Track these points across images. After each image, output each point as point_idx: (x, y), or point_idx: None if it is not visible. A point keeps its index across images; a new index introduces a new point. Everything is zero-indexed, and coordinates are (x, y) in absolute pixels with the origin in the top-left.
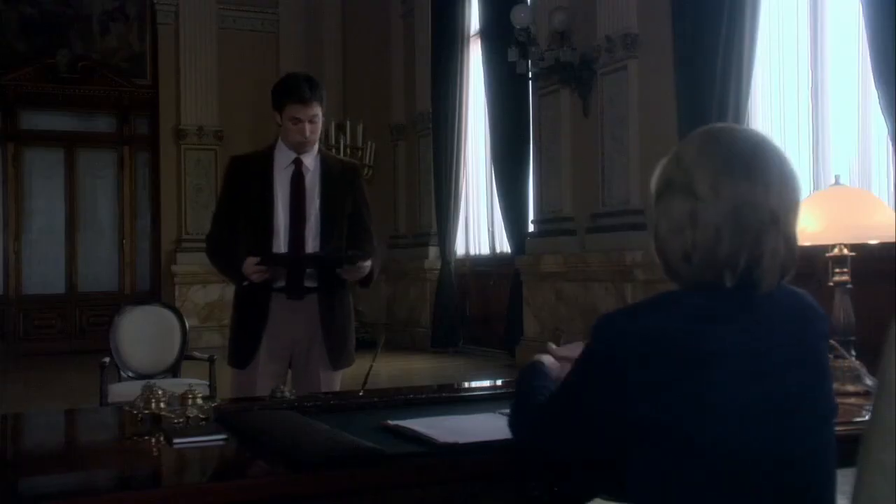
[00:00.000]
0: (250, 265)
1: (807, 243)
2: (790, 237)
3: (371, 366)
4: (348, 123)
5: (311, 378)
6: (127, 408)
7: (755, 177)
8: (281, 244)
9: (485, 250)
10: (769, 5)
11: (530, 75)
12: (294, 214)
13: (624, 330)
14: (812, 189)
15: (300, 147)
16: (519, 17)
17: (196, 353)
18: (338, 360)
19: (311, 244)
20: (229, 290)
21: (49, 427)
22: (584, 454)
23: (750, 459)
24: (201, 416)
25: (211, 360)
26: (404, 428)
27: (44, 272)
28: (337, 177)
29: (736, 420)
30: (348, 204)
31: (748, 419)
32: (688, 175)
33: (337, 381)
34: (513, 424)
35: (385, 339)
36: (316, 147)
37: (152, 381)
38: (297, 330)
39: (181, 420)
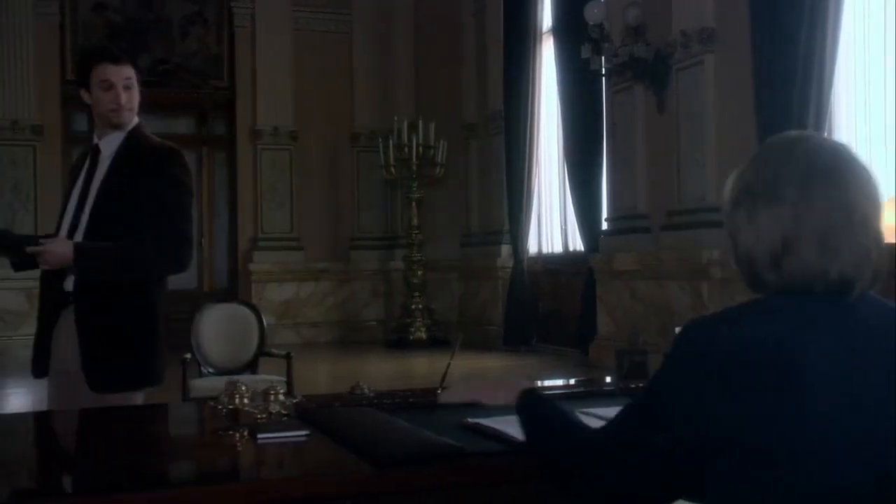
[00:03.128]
0: None
1: (891, 240)
2: (879, 240)
3: (449, 364)
4: (420, 122)
5: (70, 398)
6: (211, 403)
7: (842, 179)
8: (61, 235)
9: (557, 248)
10: (854, 2)
11: (603, 72)
12: (77, 205)
13: (714, 337)
14: None
15: (114, 118)
16: (592, 13)
17: (273, 350)
18: (97, 381)
19: (78, 237)
20: (304, 288)
21: (135, 420)
22: (656, 481)
23: (840, 476)
24: (283, 411)
25: (288, 357)
26: (484, 426)
27: None
28: (132, 166)
29: (825, 435)
30: (136, 197)
31: (840, 435)
32: (772, 181)
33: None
34: (558, 467)
35: (461, 339)
36: (124, 131)
37: (235, 377)
38: (64, 341)
39: (264, 416)
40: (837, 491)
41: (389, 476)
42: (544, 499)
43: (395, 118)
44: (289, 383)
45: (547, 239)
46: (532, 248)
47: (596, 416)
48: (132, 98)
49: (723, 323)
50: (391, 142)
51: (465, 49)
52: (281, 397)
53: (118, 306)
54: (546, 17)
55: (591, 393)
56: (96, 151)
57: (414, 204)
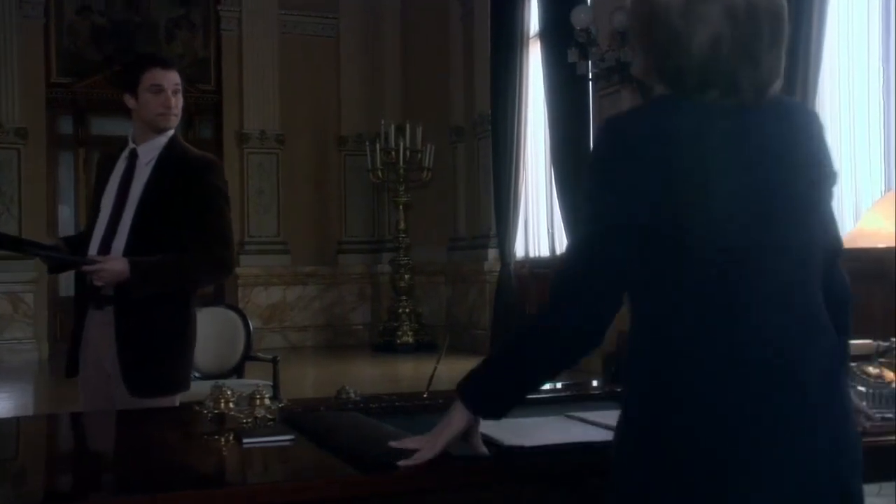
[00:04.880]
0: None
1: (880, 245)
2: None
3: (435, 368)
4: (408, 126)
5: (109, 400)
6: (197, 407)
7: None
8: (95, 241)
9: (544, 252)
10: (838, 2)
11: (590, 76)
12: (113, 211)
13: (630, 130)
14: (884, 189)
15: (162, 122)
16: (579, 17)
17: (260, 354)
18: (137, 385)
19: (116, 248)
20: (291, 292)
21: (120, 425)
22: (620, 286)
23: (739, 248)
24: (269, 416)
25: (275, 361)
26: None
27: None
28: (174, 173)
29: (725, 208)
30: (179, 205)
31: (737, 210)
32: None
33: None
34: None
35: (448, 342)
36: (164, 139)
37: (221, 382)
38: (98, 342)
39: (249, 420)
40: (744, 262)
41: (375, 480)
42: (530, 503)
43: (382, 122)
44: (275, 387)
45: (534, 243)
46: (519, 251)
47: (583, 420)
48: (179, 103)
49: (635, 119)
50: (378, 145)
51: (453, 53)
52: (266, 401)
53: (158, 310)
54: (533, 21)
55: (578, 397)
56: (134, 156)
57: (401, 207)
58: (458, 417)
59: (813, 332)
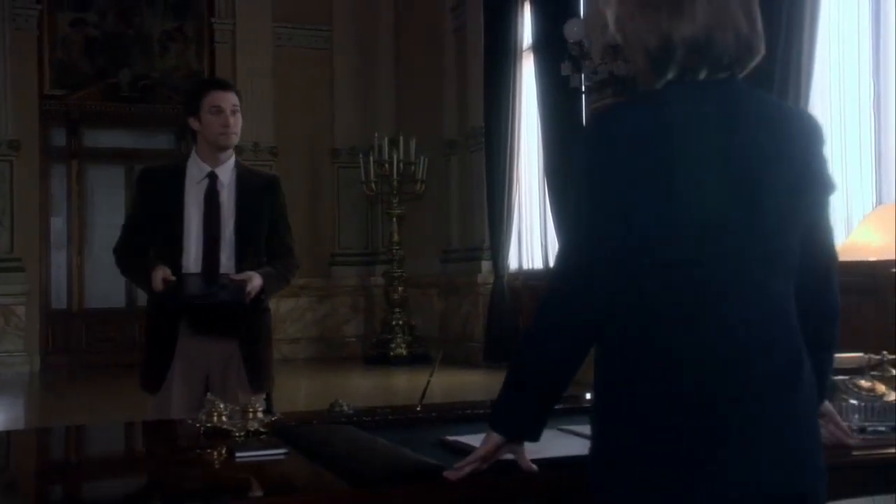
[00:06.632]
0: (158, 279)
1: (871, 258)
2: (752, 15)
3: (429, 381)
4: (401, 139)
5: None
6: (189, 421)
7: None
8: (191, 263)
9: (538, 264)
10: (829, 15)
11: (583, 89)
12: (207, 232)
13: (613, 126)
14: (875, 203)
15: (223, 141)
16: (572, 30)
17: None
18: (259, 382)
19: (226, 263)
20: (284, 304)
21: (112, 439)
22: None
23: (709, 245)
24: (262, 429)
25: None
26: (464, 444)
27: (105, 286)
28: (254, 191)
29: (700, 207)
30: (266, 219)
31: (707, 209)
32: None
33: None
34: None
35: (442, 355)
36: (232, 160)
37: (214, 395)
38: (212, 352)
39: (242, 434)
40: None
41: (368, 495)
42: None
43: (376, 134)
44: (268, 400)
45: (528, 255)
46: (513, 263)
47: (575, 434)
48: (238, 122)
49: (623, 111)
50: (372, 158)
51: (446, 65)
52: (259, 415)
53: (256, 312)
54: (526, 34)
55: (571, 410)
56: (213, 177)
57: (394, 220)
58: (489, 440)
59: (777, 335)
